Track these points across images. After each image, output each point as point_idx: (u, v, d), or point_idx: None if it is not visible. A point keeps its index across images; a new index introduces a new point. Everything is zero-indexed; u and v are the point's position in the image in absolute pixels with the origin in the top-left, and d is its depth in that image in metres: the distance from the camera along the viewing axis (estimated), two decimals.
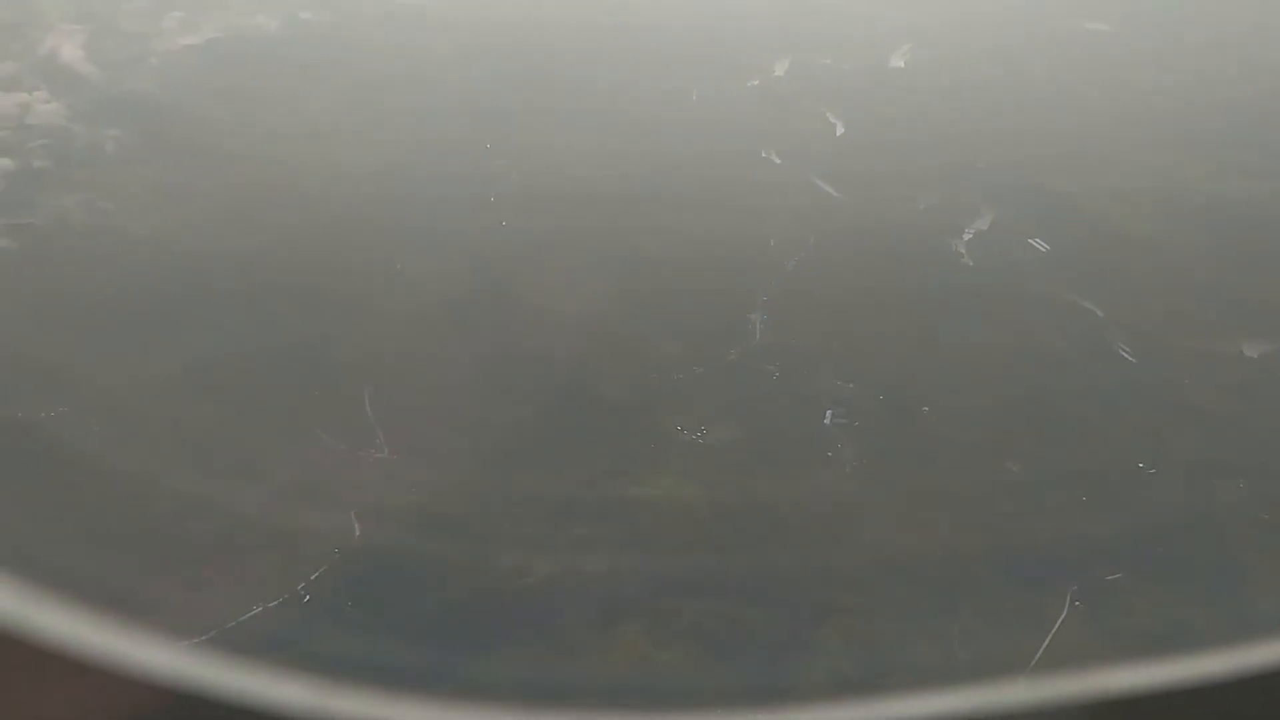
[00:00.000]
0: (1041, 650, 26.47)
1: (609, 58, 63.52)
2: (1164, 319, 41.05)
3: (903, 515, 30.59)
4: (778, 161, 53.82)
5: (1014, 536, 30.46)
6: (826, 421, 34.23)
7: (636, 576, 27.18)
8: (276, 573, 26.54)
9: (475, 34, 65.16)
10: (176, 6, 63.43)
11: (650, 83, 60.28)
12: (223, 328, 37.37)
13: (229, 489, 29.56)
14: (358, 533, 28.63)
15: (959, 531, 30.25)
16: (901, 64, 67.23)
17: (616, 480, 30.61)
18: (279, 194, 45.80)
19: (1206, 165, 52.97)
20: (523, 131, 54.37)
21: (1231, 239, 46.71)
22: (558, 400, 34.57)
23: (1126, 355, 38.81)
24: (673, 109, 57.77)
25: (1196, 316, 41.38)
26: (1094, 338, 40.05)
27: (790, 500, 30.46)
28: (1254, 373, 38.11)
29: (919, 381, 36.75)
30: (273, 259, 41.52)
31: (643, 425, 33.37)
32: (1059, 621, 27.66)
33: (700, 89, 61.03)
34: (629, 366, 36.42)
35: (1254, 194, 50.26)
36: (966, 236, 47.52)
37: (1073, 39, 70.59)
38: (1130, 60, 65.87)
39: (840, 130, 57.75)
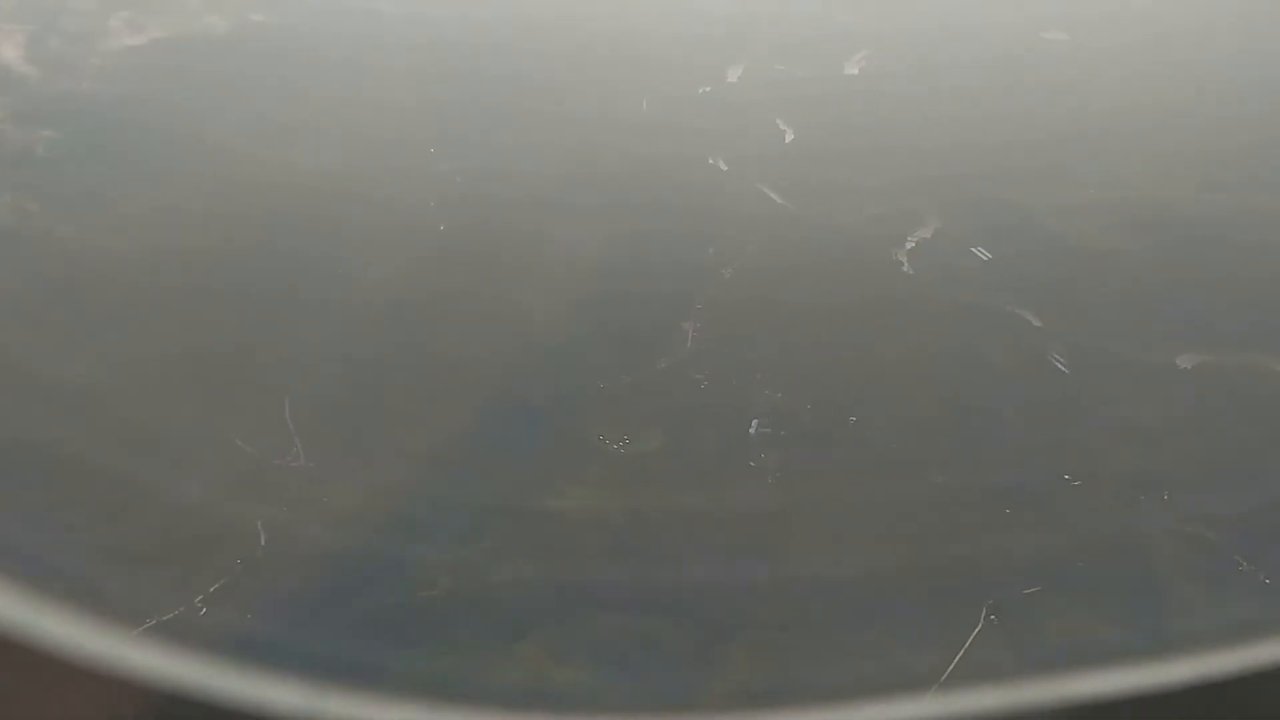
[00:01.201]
0: (951, 666, 26.17)
1: (561, 63, 63.13)
2: (1101, 330, 40.88)
3: (822, 527, 30.26)
4: (725, 168, 53.53)
5: (934, 550, 30.17)
6: (752, 432, 33.90)
7: (544, 589, 26.77)
8: (174, 585, 26.01)
9: (428, 37, 64.69)
10: (124, 6, 62.72)
11: (601, 89, 59.90)
12: (145, 330, 36.83)
13: (136, 496, 29.03)
14: (263, 542, 28.14)
15: (878, 544, 29.94)
16: (856, 71, 67.06)
17: (533, 490, 30.18)
18: (214, 195, 45.26)
19: (1154, 178, 52.94)
20: (469, 135, 53.97)
21: (1174, 251, 46.64)
22: (482, 408, 34.16)
23: (1061, 366, 38.61)
24: (622, 115, 57.41)
25: (1133, 328, 41.22)
26: (1030, 348, 39.84)
27: (709, 511, 30.11)
28: (1185, 385, 37.97)
29: (849, 391, 36.46)
30: (204, 260, 41.00)
31: (566, 434, 32.98)
32: (972, 636, 27.38)
33: (651, 95, 60.65)
34: (558, 374, 36.04)
35: (1199, 207, 50.25)
36: (909, 245, 47.30)
37: (1030, 48, 70.49)
38: (1084, 71, 65.79)
39: (790, 137, 57.49)
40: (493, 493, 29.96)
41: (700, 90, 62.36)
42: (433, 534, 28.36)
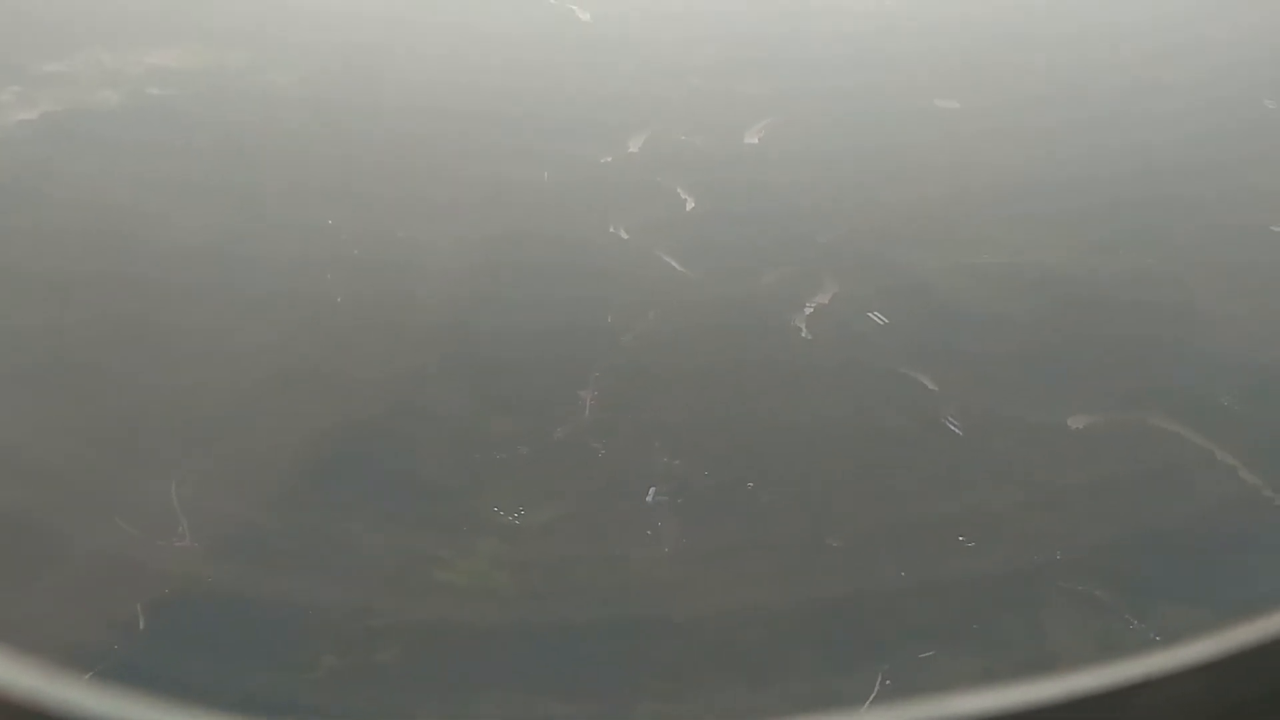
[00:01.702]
0: None
1: (461, 133, 63.12)
2: (993, 392, 41.51)
3: (717, 596, 30.12)
4: (625, 237, 53.75)
5: (829, 616, 30.17)
6: (649, 500, 33.74)
7: (433, 667, 26.21)
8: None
9: (331, 114, 64.24)
10: (15, 81, 61.77)
11: (500, 158, 59.85)
12: (24, 406, 35.77)
13: (7, 577, 28.02)
14: (141, 627, 27.26)
15: (773, 611, 29.86)
16: (756, 140, 67.95)
17: (424, 566, 29.66)
18: (96, 271, 44.37)
19: (1040, 240, 54.19)
20: (368, 205, 53.55)
21: (1061, 312, 47.68)
22: (373, 482, 33.60)
23: (954, 428, 39.07)
24: (522, 184, 57.45)
25: (1024, 389, 41.92)
26: (924, 411, 40.30)
27: (603, 583, 29.81)
28: (1076, 445, 38.64)
29: (747, 457, 36.53)
30: (84, 335, 40.06)
31: (459, 507, 32.56)
32: (867, 703, 27.29)
33: (553, 164, 60.83)
34: (453, 446, 35.64)
35: (1083, 268, 51.48)
36: (808, 310, 47.77)
37: (923, 116, 71.97)
38: (974, 138, 67.36)
39: (690, 205, 57.98)
40: (381, 567, 29.39)
41: (602, 160, 62.71)
42: (318, 613, 27.68)
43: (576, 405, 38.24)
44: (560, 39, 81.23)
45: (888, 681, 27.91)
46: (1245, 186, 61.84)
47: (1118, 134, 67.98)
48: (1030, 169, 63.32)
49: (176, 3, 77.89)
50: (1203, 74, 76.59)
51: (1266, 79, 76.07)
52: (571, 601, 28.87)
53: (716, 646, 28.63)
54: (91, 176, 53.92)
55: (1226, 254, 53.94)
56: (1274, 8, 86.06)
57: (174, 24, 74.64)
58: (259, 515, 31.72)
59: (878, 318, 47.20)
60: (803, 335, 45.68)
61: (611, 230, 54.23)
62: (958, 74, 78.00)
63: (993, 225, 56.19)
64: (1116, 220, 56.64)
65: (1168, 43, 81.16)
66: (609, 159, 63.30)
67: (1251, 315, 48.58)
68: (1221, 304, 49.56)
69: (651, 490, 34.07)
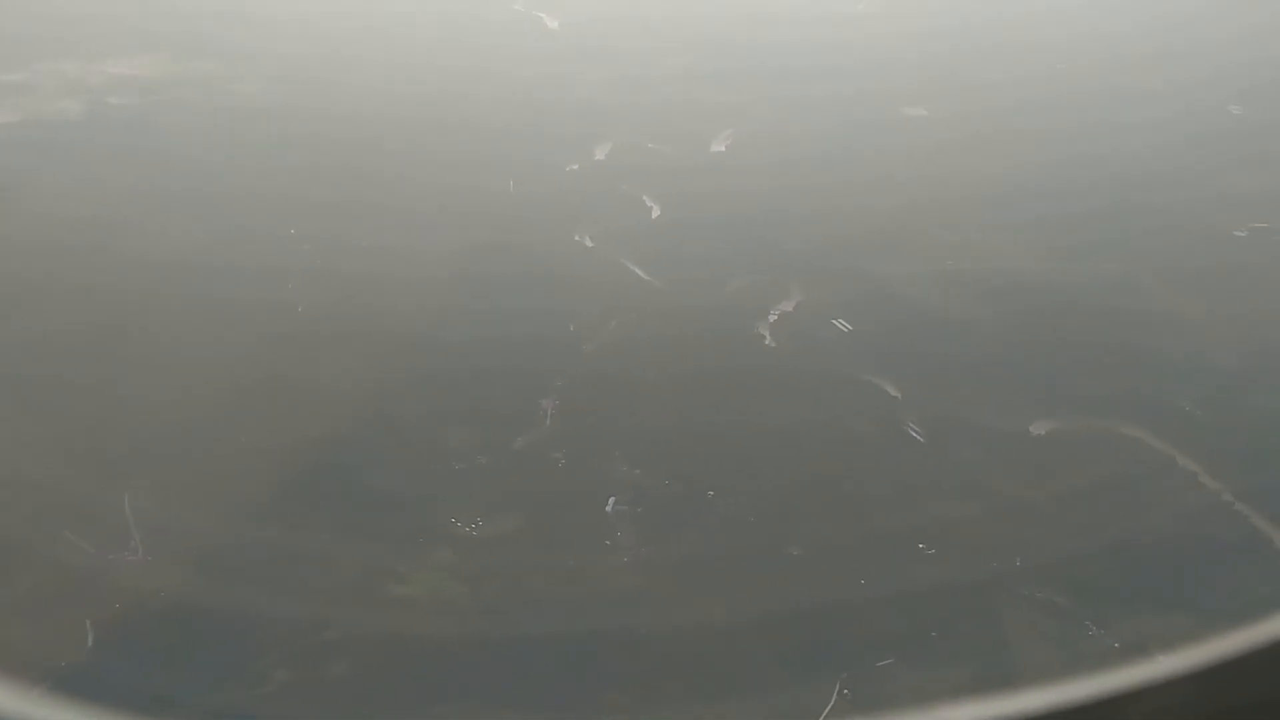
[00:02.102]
0: None
1: (426, 141, 62.80)
2: (957, 399, 41.41)
3: (675, 606, 29.89)
4: (590, 245, 53.50)
5: (789, 625, 29.96)
6: (609, 510, 33.48)
7: (387, 681, 25.88)
8: None
9: (296, 123, 63.74)
10: None
11: (465, 166, 59.58)
12: None
13: None
14: (90, 644, 26.83)
15: (732, 622, 29.63)
16: (723, 148, 67.87)
17: (379, 579, 29.33)
18: (54, 281, 43.86)
19: (1007, 246, 54.26)
20: (331, 213, 53.15)
21: (1026, 319, 47.69)
22: (330, 494, 33.24)
23: (916, 435, 38.96)
24: (486, 197, 57.11)
25: (988, 396, 41.84)
26: (887, 418, 40.15)
27: (560, 594, 29.54)
28: (1038, 452, 38.58)
29: (709, 465, 36.30)
30: (40, 347, 39.57)
31: (416, 519, 32.21)
32: (825, 713, 27.12)
33: (518, 173, 60.59)
34: (411, 456, 35.30)
35: (1049, 274, 51.54)
36: (772, 318, 47.61)
37: (891, 123, 72.09)
38: (942, 144, 67.46)
39: (656, 213, 57.82)
40: (336, 580, 29.05)
41: (568, 168, 62.54)
42: (271, 627, 27.32)
43: (537, 415, 37.96)
44: (528, 47, 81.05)
45: (846, 691, 27.72)
46: (1210, 192, 62.04)
47: (1084, 142, 68.12)
48: (997, 177, 63.43)
49: (142, 13, 77.41)
50: (1169, 82, 76.91)
51: (1232, 86, 76.53)
52: (528, 613, 28.58)
53: (674, 658, 28.38)
54: (50, 187, 53.36)
55: (1191, 259, 54.07)
56: (1239, 19, 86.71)
57: (139, 34, 74.13)
58: (213, 528, 31.32)
59: (842, 325, 47.04)
60: (766, 343, 45.49)
61: (576, 238, 53.98)
62: (926, 82, 78.12)
63: (959, 232, 56.23)
64: (1082, 227, 56.69)
65: (1134, 52, 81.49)
66: (575, 167, 63.10)
67: (1215, 319, 48.70)
68: (1185, 309, 49.69)
69: (611, 500, 33.80)
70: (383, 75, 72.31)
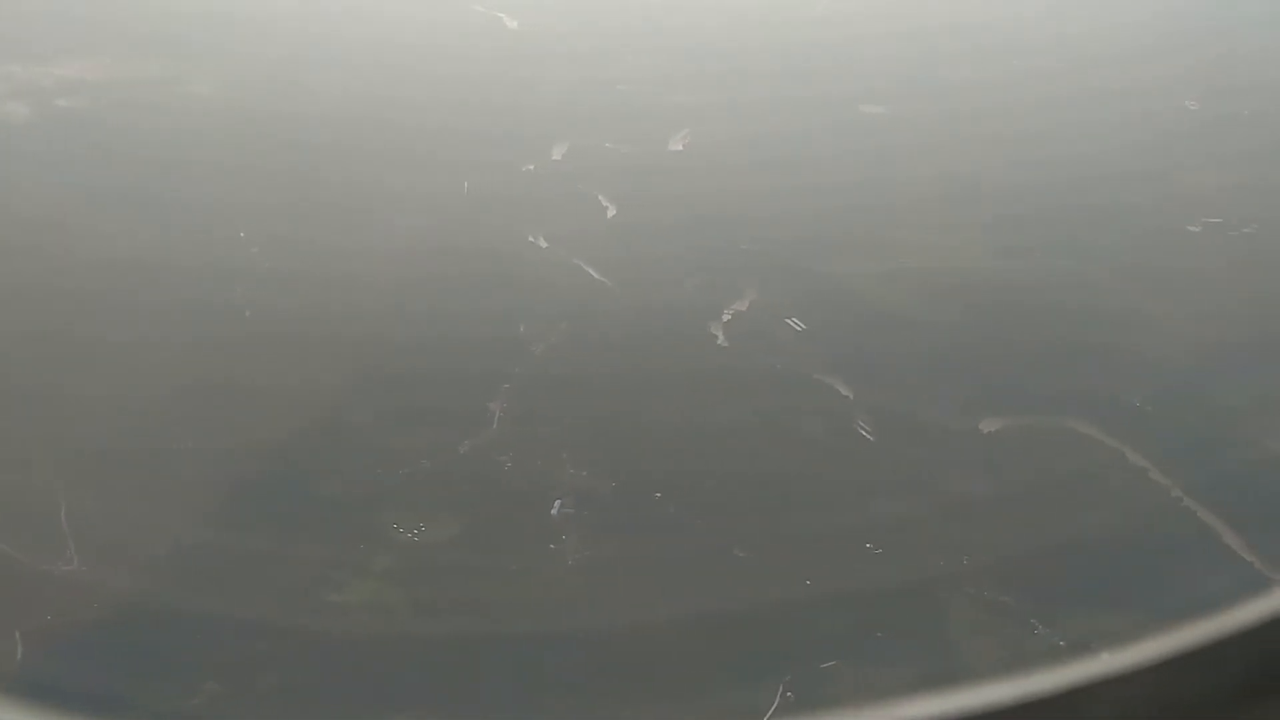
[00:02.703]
0: None
1: (381, 141, 62.29)
2: (907, 397, 41.35)
3: (619, 609, 29.62)
4: (544, 245, 53.19)
5: (733, 627, 29.76)
6: (553, 513, 33.18)
7: (319, 694, 25.49)
8: None
9: (246, 125, 63.17)
10: None
11: (421, 174, 58.90)
12: None
13: None
14: (19, 657, 26.31)
15: (676, 624, 29.40)
16: (680, 147, 67.62)
17: (316, 586, 28.92)
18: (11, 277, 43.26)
19: (959, 245, 54.25)
20: (283, 222, 52.55)
21: (977, 317, 47.69)
22: (271, 500, 32.79)
23: (866, 434, 38.82)
24: (441, 198, 56.66)
25: (938, 394, 41.80)
26: (837, 417, 40.04)
27: (502, 599, 29.21)
28: (987, 449, 38.53)
29: (657, 467, 36.08)
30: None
31: (358, 524, 31.82)
32: (769, 714, 26.91)
33: (473, 173, 60.12)
34: (355, 461, 34.89)
35: (1001, 272, 51.61)
36: (725, 317, 47.42)
37: (848, 121, 71.96)
38: (898, 143, 67.44)
39: (612, 213, 57.53)
40: (272, 588, 28.61)
41: (524, 168, 62.13)
42: (202, 637, 26.86)
43: (484, 418, 37.61)
44: (487, 47, 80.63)
45: (789, 694, 27.52)
46: (1167, 189, 62.33)
47: (1043, 141, 68.21)
48: (954, 176, 63.37)
49: (93, 14, 76.49)
50: (1130, 82, 77.29)
51: (1191, 84, 76.93)
52: (467, 619, 28.25)
53: (616, 660, 28.11)
54: None
55: (1145, 256, 54.29)
56: (1199, 20, 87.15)
57: (89, 35, 73.19)
58: (150, 536, 30.83)
59: (795, 324, 46.93)
60: (719, 342, 45.31)
61: (530, 239, 53.65)
62: (886, 83, 78.04)
63: (915, 231, 56.17)
64: (1037, 225, 56.84)
65: (1094, 53, 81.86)
66: (531, 167, 62.73)
67: (1168, 315, 48.87)
68: (1139, 305, 49.82)
69: (557, 503, 33.51)
70: (338, 77, 71.70)
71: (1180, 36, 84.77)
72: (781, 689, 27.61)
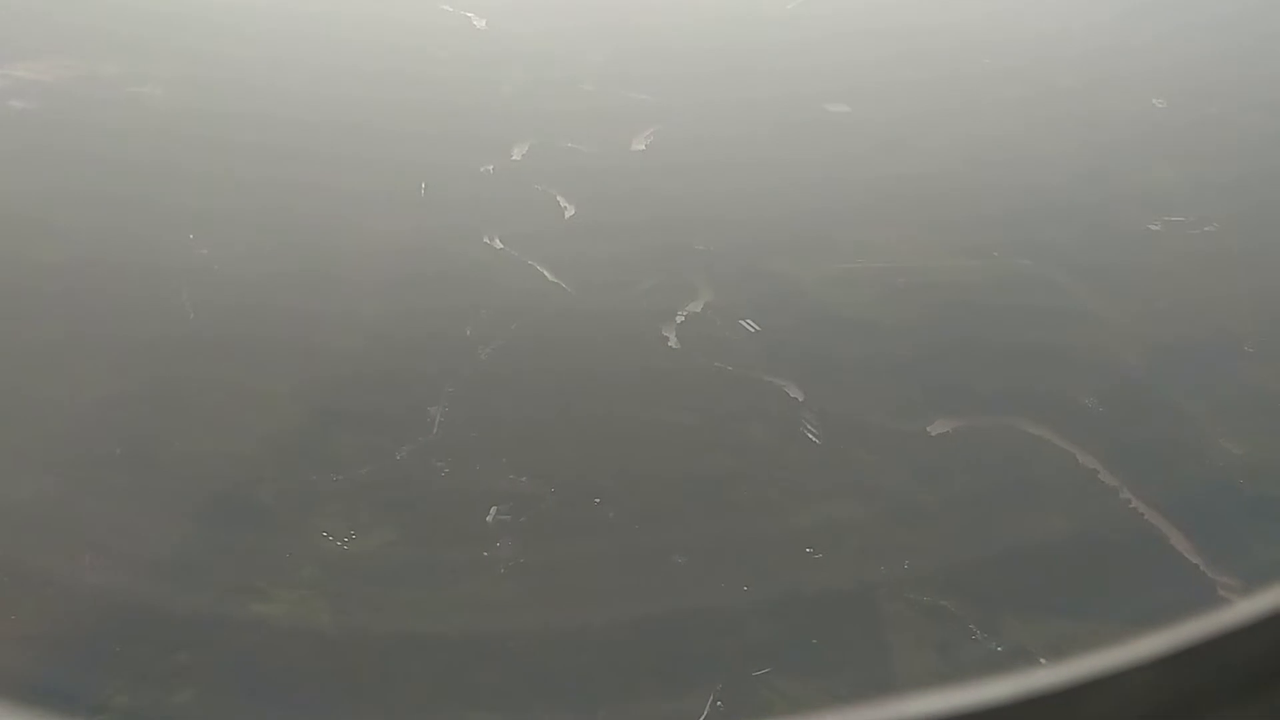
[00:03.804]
0: None
1: (337, 141, 61.61)
2: (857, 400, 40.96)
3: (550, 617, 29.12)
4: (500, 247, 52.68)
5: (666, 634, 29.28)
6: (489, 520, 32.66)
7: (232, 708, 24.94)
8: None
9: (199, 126, 62.40)
10: None
11: (377, 176, 58.18)
12: None
13: None
14: None
15: (607, 632, 28.92)
16: (643, 147, 67.17)
17: (239, 597, 28.35)
18: None
19: (920, 246, 53.92)
20: (232, 225, 51.82)
21: (932, 317, 47.34)
22: (202, 506, 32.21)
23: (813, 437, 38.40)
24: (396, 199, 56.07)
25: (891, 396, 41.42)
26: (786, 420, 39.64)
27: (430, 608, 28.69)
28: (935, 452, 38.15)
29: (599, 472, 35.60)
30: None
31: (287, 532, 31.25)
32: None
33: (431, 174, 59.56)
34: (288, 467, 34.32)
35: (959, 273, 51.32)
36: (679, 319, 46.98)
37: (813, 121, 71.56)
38: (863, 142, 67.10)
39: (570, 214, 57.03)
40: (194, 599, 28.04)
41: (482, 169, 61.59)
42: (119, 649, 26.30)
43: (424, 423, 37.08)
44: (452, 46, 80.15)
45: (719, 703, 27.08)
46: (1130, 187, 62.19)
47: (1006, 141, 68.00)
48: (915, 176, 62.97)
49: (49, 15, 75.71)
50: (1096, 80, 77.22)
51: (1158, 82, 76.83)
52: (392, 629, 27.71)
53: (545, 669, 27.63)
54: None
55: (1103, 255, 54.03)
56: (1167, 19, 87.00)
57: (46, 35, 72.50)
58: (70, 542, 30.23)
59: (749, 325, 46.51)
60: (670, 345, 44.85)
61: (486, 240, 53.12)
62: (852, 81, 77.69)
63: (873, 232, 55.77)
64: (996, 225, 56.55)
65: (1063, 52, 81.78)
66: (490, 167, 62.20)
67: (1123, 315, 48.58)
68: (1094, 305, 49.54)
69: (493, 510, 33.00)
70: (297, 77, 70.99)
71: (1149, 34, 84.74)
72: (712, 698, 27.18)
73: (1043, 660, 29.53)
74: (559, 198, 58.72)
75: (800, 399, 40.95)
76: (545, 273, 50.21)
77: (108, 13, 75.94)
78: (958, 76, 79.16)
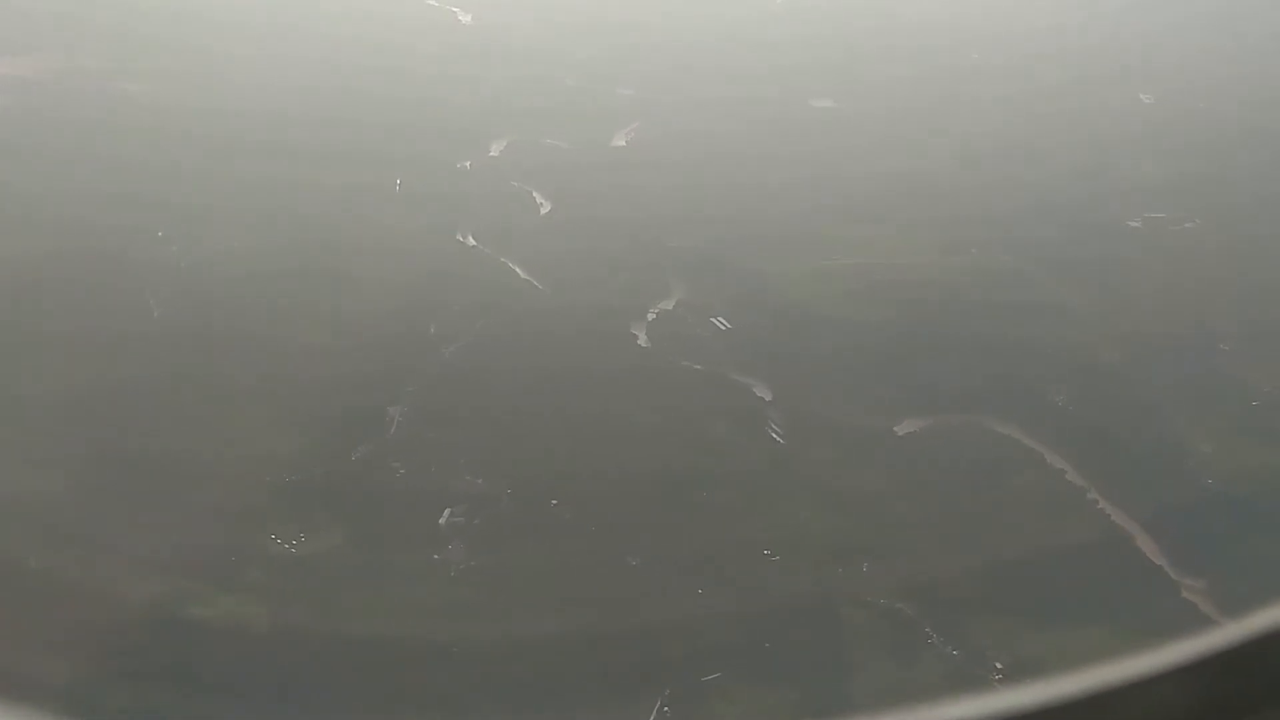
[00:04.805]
0: None
1: (323, 144, 60.79)
2: (825, 399, 40.48)
3: (498, 620, 28.71)
4: (472, 244, 52.21)
5: (616, 639, 28.86)
6: (442, 522, 32.23)
7: (167, 715, 24.54)
8: None
9: (175, 121, 61.87)
10: None
11: (355, 171, 57.58)
12: None
13: None
14: None
15: (557, 635, 28.49)
16: (623, 143, 66.63)
17: (179, 602, 27.93)
18: None
19: (898, 242, 53.38)
20: (203, 222, 51.23)
21: (913, 316, 46.81)
22: (146, 508, 31.78)
23: (777, 437, 37.94)
24: (372, 195, 55.50)
25: (857, 395, 40.93)
26: (751, 419, 39.18)
27: (374, 612, 28.26)
28: (899, 452, 37.68)
29: (557, 473, 35.15)
30: None
31: (235, 536, 30.85)
32: None
33: (408, 170, 58.99)
34: (239, 467, 33.90)
35: (937, 270, 50.77)
36: (650, 317, 46.53)
37: (798, 117, 70.94)
38: (846, 138, 66.48)
39: (545, 211, 56.53)
40: (134, 606, 27.64)
41: (459, 165, 61.07)
42: (56, 657, 25.89)
43: (383, 422, 36.65)
44: (438, 42, 79.52)
45: (666, 709, 26.67)
46: (1113, 183, 61.58)
47: (992, 135, 67.24)
48: (897, 173, 62.29)
49: (33, 10, 75.24)
50: (1085, 74, 76.54)
51: (1146, 76, 76.21)
52: (332, 634, 27.29)
53: (490, 674, 27.21)
54: None
55: (1082, 251, 53.45)
56: (1158, 14, 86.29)
57: (28, 30, 72.05)
58: (17, 542, 29.83)
59: (720, 323, 46.05)
60: (639, 343, 44.39)
61: (459, 238, 52.65)
62: (838, 77, 76.98)
63: (851, 228, 55.22)
64: (975, 221, 55.92)
65: (1051, 45, 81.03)
66: (468, 164, 61.69)
67: (1098, 312, 48.05)
68: (1071, 301, 49.01)
69: (447, 512, 32.56)
70: (280, 72, 70.28)
71: (1141, 30, 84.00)
72: (659, 703, 26.75)
73: (998, 665, 29.15)
74: (535, 194, 58.22)
75: (767, 398, 40.50)
76: (517, 270, 49.76)
77: (89, 10, 75.43)
78: (946, 72, 78.46)
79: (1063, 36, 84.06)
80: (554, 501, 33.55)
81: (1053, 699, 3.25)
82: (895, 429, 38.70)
